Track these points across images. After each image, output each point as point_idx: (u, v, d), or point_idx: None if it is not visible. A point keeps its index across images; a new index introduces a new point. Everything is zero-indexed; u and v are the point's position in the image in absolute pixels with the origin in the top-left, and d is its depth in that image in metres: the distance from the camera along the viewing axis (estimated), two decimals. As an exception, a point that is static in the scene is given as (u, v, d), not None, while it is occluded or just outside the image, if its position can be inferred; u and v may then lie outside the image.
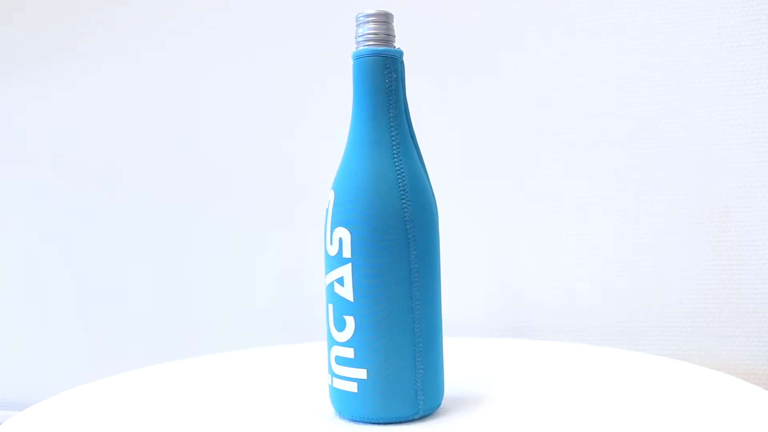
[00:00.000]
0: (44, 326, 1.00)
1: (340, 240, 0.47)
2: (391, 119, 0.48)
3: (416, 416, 0.48)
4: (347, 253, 0.47)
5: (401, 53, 0.49)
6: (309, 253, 0.88)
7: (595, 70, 0.80)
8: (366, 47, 0.48)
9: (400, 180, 0.47)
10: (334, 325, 0.48)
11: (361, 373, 0.47)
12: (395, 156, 0.48)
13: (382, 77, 0.48)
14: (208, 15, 0.92)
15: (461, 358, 0.67)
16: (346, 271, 0.47)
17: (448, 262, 0.75)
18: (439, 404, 0.50)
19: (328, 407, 0.51)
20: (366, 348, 0.47)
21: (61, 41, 0.98)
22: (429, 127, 0.79)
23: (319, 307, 0.85)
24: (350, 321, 0.47)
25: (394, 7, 0.62)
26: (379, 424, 0.47)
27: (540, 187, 0.82)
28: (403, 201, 0.47)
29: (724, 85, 0.76)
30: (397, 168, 0.48)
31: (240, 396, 0.56)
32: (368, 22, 0.48)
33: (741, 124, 0.76)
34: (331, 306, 0.48)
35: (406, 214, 0.47)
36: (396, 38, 0.50)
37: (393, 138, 0.48)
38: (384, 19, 0.48)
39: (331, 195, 0.49)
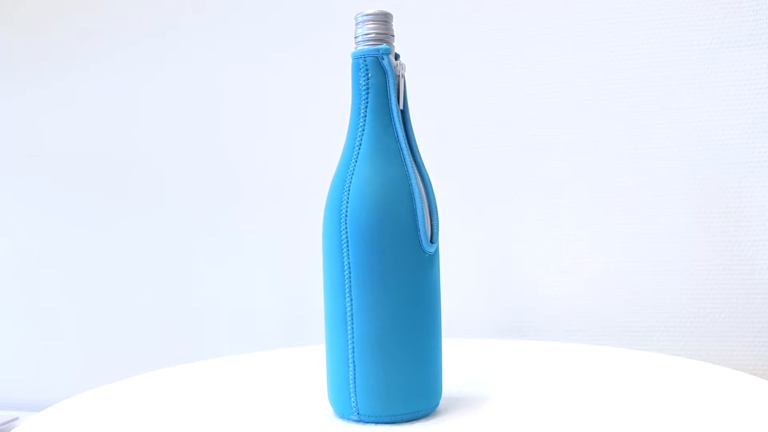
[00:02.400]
0: (49, 329, 1.00)
1: None
2: (362, 119, 0.48)
3: (353, 418, 0.47)
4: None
5: (381, 51, 0.47)
6: (311, 254, 0.87)
7: (595, 70, 0.80)
8: (362, 47, 0.48)
9: (347, 181, 0.47)
10: None
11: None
12: (353, 156, 0.47)
13: (357, 78, 0.48)
14: (208, 16, 0.92)
15: (460, 358, 0.67)
16: None
17: (447, 262, 0.74)
18: (393, 416, 0.47)
19: (327, 408, 0.51)
20: (325, 342, 0.49)
21: (65, 44, 0.98)
22: (428, 128, 0.79)
23: (319, 309, 0.85)
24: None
25: (394, 7, 0.61)
26: (337, 416, 0.49)
27: (539, 187, 0.82)
28: (343, 203, 0.47)
29: (724, 85, 0.76)
30: (350, 169, 0.47)
31: (241, 398, 0.56)
32: (364, 22, 0.48)
33: (741, 124, 0.76)
34: None
35: (342, 215, 0.46)
36: (394, 38, 0.49)
37: (358, 138, 0.47)
38: (379, 19, 0.48)
39: None
